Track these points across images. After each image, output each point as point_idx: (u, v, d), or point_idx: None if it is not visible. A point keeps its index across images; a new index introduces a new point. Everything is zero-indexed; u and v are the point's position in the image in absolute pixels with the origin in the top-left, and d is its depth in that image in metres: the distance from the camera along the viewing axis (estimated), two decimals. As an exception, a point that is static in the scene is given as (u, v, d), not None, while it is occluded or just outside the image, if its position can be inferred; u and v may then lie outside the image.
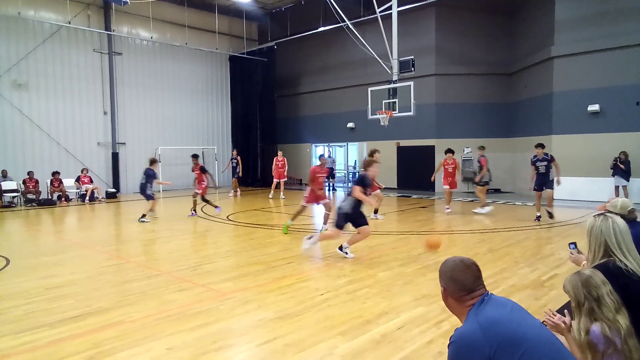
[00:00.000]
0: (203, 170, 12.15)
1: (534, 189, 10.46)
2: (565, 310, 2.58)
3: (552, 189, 10.26)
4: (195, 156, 12.88)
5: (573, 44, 14.07)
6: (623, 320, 2.13)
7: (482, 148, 12.13)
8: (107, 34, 18.45)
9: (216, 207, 12.38)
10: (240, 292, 5.39)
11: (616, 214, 3.30)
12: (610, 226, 2.51)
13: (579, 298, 2.21)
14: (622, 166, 12.84)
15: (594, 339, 2.13)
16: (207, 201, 12.28)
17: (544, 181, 10.33)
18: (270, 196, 16.19)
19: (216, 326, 4.31)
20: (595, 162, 13.14)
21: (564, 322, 2.42)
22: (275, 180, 16.32)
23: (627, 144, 13.03)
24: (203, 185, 12.08)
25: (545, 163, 10.21)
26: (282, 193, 16.23)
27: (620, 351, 2.10)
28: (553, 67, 14.58)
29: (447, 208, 12.05)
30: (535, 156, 10.42)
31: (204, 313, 4.66)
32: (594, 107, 13.75)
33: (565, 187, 13.78)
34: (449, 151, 12.12)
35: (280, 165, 16.42)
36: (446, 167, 12.02)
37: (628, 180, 12.86)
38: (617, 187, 13.04)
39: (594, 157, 13.28)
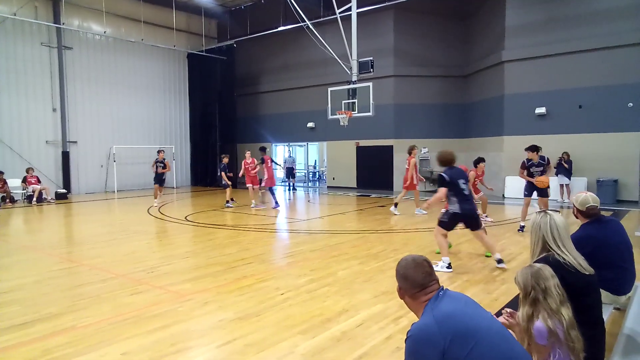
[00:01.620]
0: (263, 162, 13.44)
1: (524, 194, 9.27)
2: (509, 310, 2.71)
3: (547, 196, 9.00)
4: (262, 149, 13.96)
5: (522, 49, 14.77)
6: (566, 312, 2.27)
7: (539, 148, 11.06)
8: (57, 27, 17.59)
9: (263, 203, 13.89)
10: (200, 293, 5.31)
11: (578, 209, 3.51)
12: (548, 222, 2.69)
13: (527, 288, 2.35)
14: (565, 165, 13.61)
15: (537, 334, 2.26)
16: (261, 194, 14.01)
17: (535, 187, 9.16)
18: (252, 205, 13.64)
19: (175, 328, 4.23)
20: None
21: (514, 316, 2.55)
22: (248, 185, 13.84)
23: (570, 145, 13.82)
24: (264, 178, 13.43)
25: (541, 168, 9.01)
26: (253, 201, 13.71)
27: (562, 342, 2.24)
28: (504, 70, 15.24)
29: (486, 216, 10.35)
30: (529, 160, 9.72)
31: (161, 315, 4.56)
32: (541, 110, 14.49)
33: (514, 185, 14.50)
34: (481, 160, 10.35)
35: (251, 168, 13.81)
36: (475, 179, 10.24)
37: (570, 179, 13.66)
38: (561, 186, 13.80)
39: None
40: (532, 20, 14.70)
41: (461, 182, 6.10)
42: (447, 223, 6.23)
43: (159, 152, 14.73)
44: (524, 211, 9.16)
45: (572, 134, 13.92)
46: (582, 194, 3.56)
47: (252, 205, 13.56)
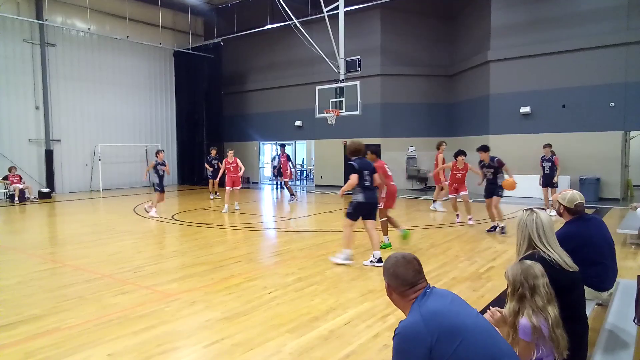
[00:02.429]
0: (288, 158, 14.57)
1: (485, 196, 9.57)
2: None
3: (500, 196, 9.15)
4: (283, 146, 15.39)
5: (507, 49, 14.92)
6: (552, 310, 2.30)
7: (549, 145, 11.44)
8: (39, 23, 17.26)
9: (293, 195, 14.87)
10: (187, 293, 5.27)
11: (565, 206, 3.56)
12: (534, 220, 2.72)
13: (515, 284, 2.38)
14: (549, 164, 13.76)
15: (521, 330, 2.30)
16: (289, 188, 14.75)
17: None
18: (223, 210, 12.27)
19: (161, 329, 4.19)
20: (527, 160, 14.00)
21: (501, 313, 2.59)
22: (227, 188, 12.56)
23: (554, 144, 13.95)
24: (288, 173, 14.64)
25: (491, 170, 9.14)
26: (236, 202, 12.78)
27: (546, 339, 2.28)
28: (489, 70, 15.39)
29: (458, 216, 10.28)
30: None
31: (148, 316, 4.52)
32: (526, 109, 14.66)
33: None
34: (460, 153, 10.01)
35: (232, 169, 12.71)
36: (454, 172, 10.05)
37: None
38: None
39: (525, 156, 14.14)
40: (517, 21, 14.86)
41: (365, 172, 6.45)
42: (353, 213, 6.50)
43: (158, 152, 11.95)
44: (497, 211, 8.86)
45: (556, 133, 14.10)
46: (568, 191, 3.60)
47: (224, 211, 12.23)
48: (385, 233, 7.55)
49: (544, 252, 2.64)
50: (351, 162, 6.50)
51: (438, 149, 12.02)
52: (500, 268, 6.13)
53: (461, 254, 7.13)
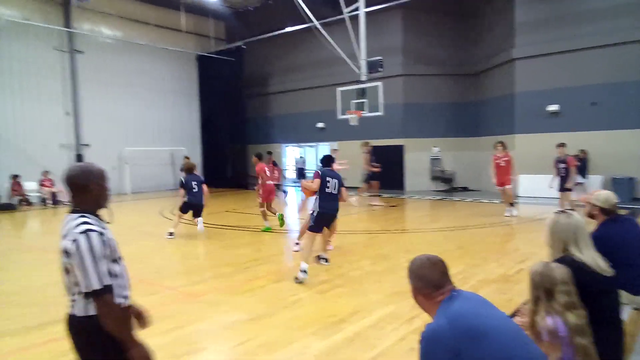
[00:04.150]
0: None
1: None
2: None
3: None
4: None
5: (533, 46, 14.57)
6: (572, 318, 2.21)
7: (563, 145, 10.72)
8: (68, 31, 17.81)
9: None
10: (211, 294, 5.32)
11: (599, 207, 3.45)
12: (571, 223, 2.63)
13: (531, 283, 2.35)
14: (579, 164, 13.33)
15: (541, 331, 2.24)
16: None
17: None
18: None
19: (187, 329, 4.24)
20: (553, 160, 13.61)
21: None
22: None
23: (584, 143, 13.58)
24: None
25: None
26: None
27: (564, 342, 2.19)
28: (515, 68, 15.06)
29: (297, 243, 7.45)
30: (558, 157, 10.55)
31: (174, 317, 4.57)
32: (554, 107, 14.28)
33: (527, 184, 14.31)
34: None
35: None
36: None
37: (585, 177, 13.34)
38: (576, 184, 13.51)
39: (553, 155, 13.76)
40: (542, 17, 14.51)
41: (193, 183, 8.91)
42: (182, 208, 8.98)
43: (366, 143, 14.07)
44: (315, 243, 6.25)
45: (586, 132, 13.69)
46: (602, 192, 3.50)
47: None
48: (265, 219, 9.34)
49: (577, 255, 2.56)
50: (181, 179, 9.09)
51: (495, 148, 11.32)
52: (528, 270, 5.97)
53: (489, 255, 6.99)
